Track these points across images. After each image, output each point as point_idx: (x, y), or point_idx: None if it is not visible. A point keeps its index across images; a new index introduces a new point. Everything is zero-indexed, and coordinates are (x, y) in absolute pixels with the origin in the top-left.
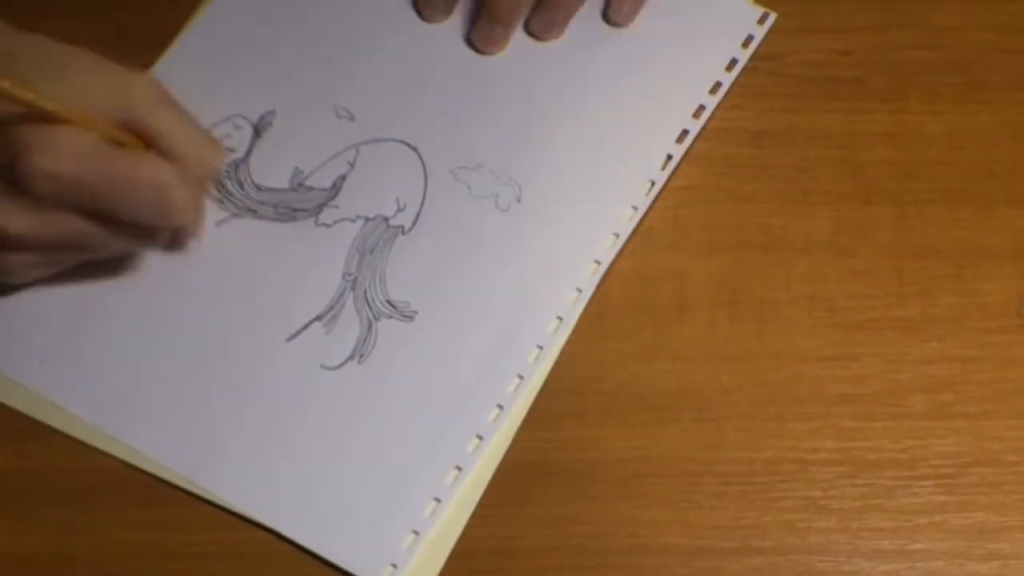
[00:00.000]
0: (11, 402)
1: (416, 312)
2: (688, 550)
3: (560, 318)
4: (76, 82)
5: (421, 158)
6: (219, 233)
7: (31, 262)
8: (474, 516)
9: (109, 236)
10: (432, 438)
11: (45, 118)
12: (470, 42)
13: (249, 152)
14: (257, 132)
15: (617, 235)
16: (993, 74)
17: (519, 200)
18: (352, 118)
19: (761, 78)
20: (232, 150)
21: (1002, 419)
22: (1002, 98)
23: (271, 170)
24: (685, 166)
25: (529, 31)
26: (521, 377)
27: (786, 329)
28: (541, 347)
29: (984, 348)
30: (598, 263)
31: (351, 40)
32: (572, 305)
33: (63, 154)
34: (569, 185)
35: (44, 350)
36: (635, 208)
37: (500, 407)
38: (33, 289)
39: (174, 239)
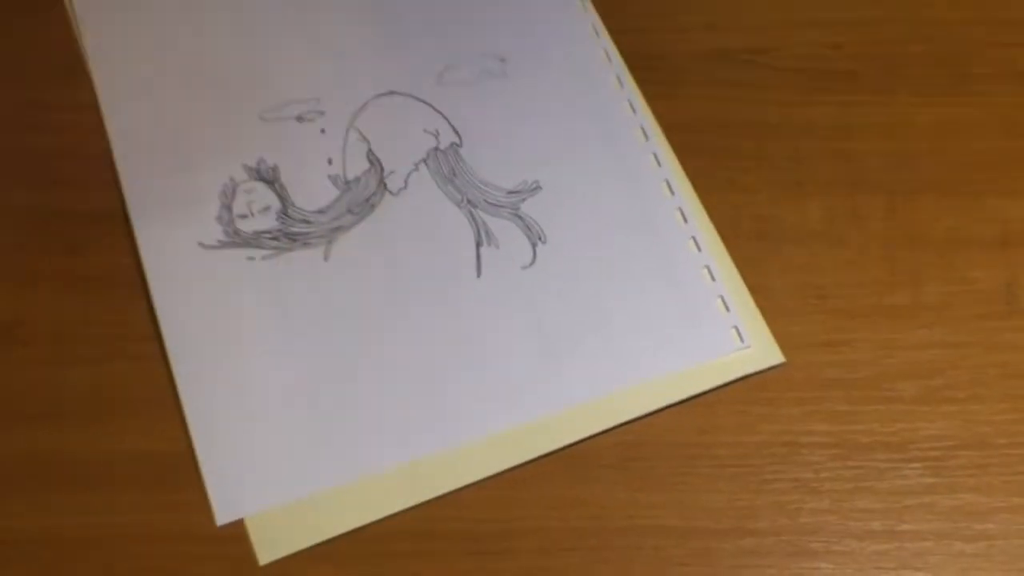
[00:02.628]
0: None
1: (537, 181)
2: (683, 531)
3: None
4: None
5: (406, 94)
6: (335, 262)
7: None
8: (475, 498)
9: None
10: (654, 253)
11: None
12: None
13: (283, 197)
14: (269, 181)
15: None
16: (981, 67)
17: (503, 60)
18: (321, 112)
19: (755, 71)
20: (267, 207)
21: (990, 403)
22: (990, 90)
23: (313, 195)
24: (681, 157)
25: None
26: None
27: (780, 316)
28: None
29: (972, 334)
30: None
31: (261, 50)
32: (622, 89)
33: None
34: (522, 21)
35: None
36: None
37: (679, 208)
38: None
39: None
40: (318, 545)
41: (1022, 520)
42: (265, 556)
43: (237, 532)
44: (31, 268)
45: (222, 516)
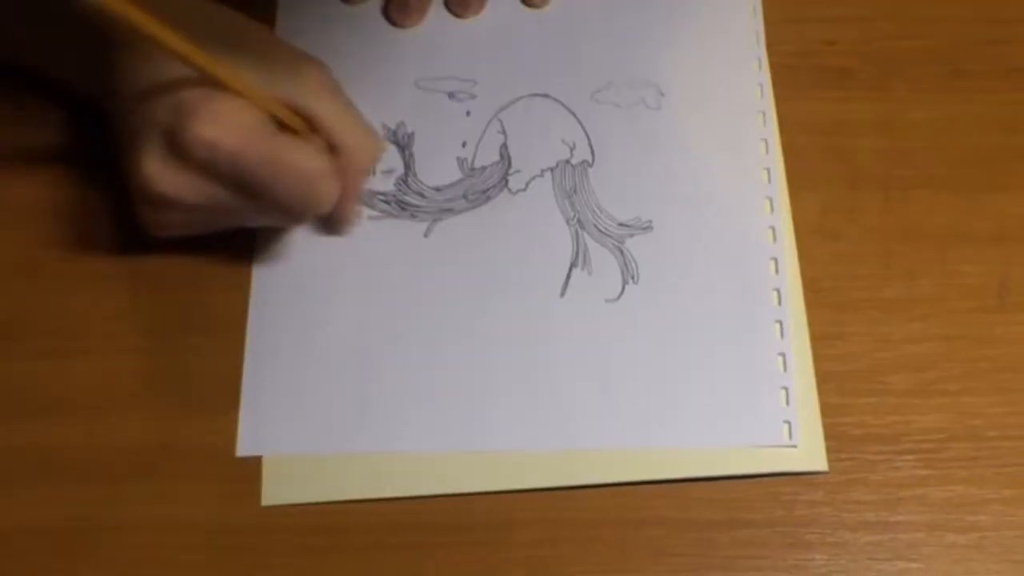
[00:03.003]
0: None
1: (651, 221)
2: (679, 522)
3: (768, 168)
4: (251, 58)
5: (558, 100)
6: (433, 241)
7: (178, 221)
8: (473, 491)
9: (254, 211)
10: (738, 324)
11: (216, 86)
12: (386, 14)
13: (408, 165)
14: (402, 146)
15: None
16: (975, 64)
17: (663, 94)
18: (473, 96)
19: None
20: (391, 170)
21: (982, 396)
22: (984, 87)
23: (437, 171)
24: None
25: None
26: (775, 259)
27: None
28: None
29: (965, 328)
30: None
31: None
32: (767, 155)
33: (225, 126)
34: (696, 62)
35: (318, 413)
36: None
37: (777, 290)
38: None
39: (328, 225)
40: (318, 535)
41: (1014, 512)
42: (270, 498)
43: (239, 523)
44: (33, 262)
45: (244, 449)
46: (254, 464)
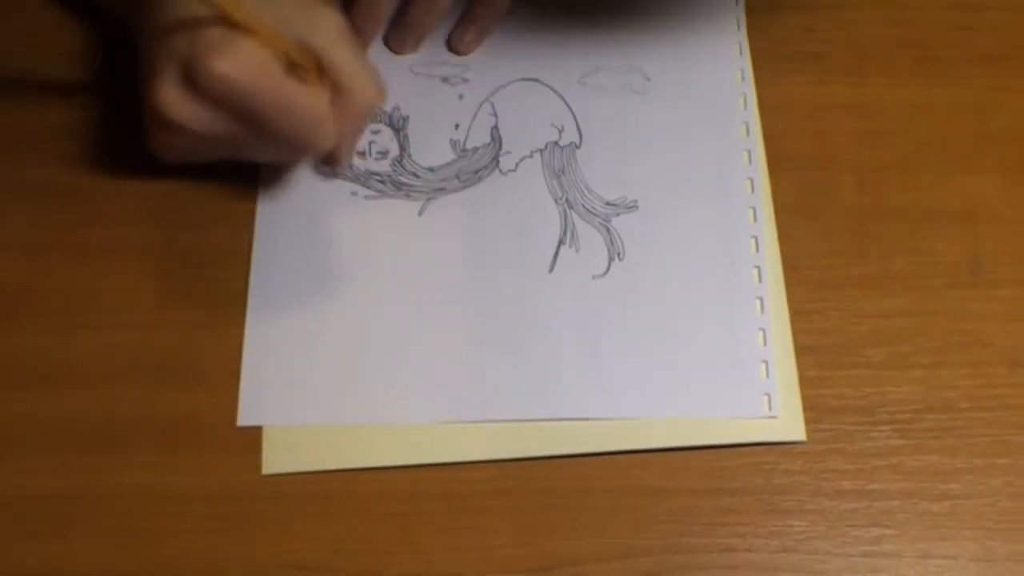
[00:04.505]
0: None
1: (636, 200)
2: (664, 491)
3: (748, 150)
4: (270, 2)
5: (547, 85)
6: (427, 219)
7: (186, 146)
8: (466, 459)
9: (258, 143)
10: (719, 300)
11: (234, 26)
12: (385, 41)
13: (403, 147)
14: (397, 129)
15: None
16: (947, 50)
17: (648, 79)
18: (466, 80)
19: None
20: (386, 151)
21: (954, 369)
22: (955, 72)
23: (431, 152)
24: None
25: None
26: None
27: None
28: (752, 178)
29: (938, 303)
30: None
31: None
32: (748, 137)
33: (238, 62)
34: (680, 49)
35: (322, 381)
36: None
37: (757, 267)
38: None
39: (325, 165)
40: (317, 502)
41: (984, 480)
42: (271, 467)
43: (241, 491)
44: (42, 238)
45: (244, 418)
46: (255, 434)
